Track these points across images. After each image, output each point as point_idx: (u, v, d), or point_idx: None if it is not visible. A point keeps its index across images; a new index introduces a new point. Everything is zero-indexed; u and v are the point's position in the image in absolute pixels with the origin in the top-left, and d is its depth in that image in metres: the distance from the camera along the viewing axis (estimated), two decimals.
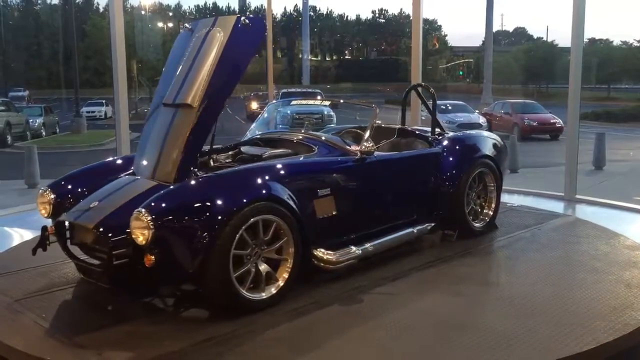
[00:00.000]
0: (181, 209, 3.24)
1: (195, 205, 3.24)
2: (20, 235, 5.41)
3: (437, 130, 5.08)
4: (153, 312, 3.47)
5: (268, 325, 3.21)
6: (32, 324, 3.27)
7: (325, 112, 16.48)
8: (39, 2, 60.22)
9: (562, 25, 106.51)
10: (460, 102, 22.23)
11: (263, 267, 3.42)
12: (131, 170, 4.03)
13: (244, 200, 3.28)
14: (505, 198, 5.96)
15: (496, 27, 63.38)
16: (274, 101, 5.18)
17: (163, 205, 3.21)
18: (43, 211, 3.91)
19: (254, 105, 30.53)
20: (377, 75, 64.58)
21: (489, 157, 4.99)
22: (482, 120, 20.48)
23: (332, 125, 11.47)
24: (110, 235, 3.25)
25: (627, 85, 50.72)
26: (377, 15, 79.82)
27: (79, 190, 3.93)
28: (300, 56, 69.43)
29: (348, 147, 4.23)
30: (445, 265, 4.24)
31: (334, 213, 3.85)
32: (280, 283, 3.48)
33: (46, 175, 10.40)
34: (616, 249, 4.60)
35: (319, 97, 20.32)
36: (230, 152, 4.44)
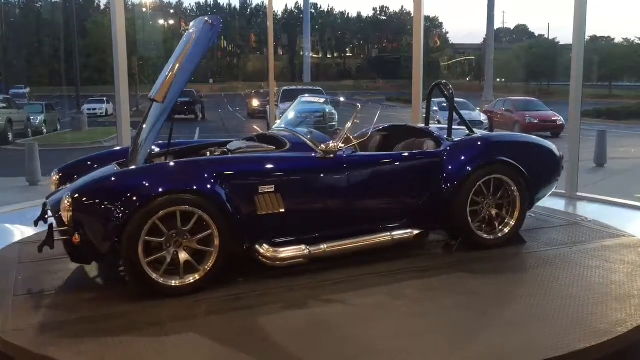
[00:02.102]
0: (98, 194, 3.55)
1: (111, 191, 3.54)
2: (22, 231, 5.42)
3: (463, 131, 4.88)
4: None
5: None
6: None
7: (327, 110, 16.48)
8: None
9: (564, 23, 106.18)
10: (462, 100, 22.17)
11: (182, 256, 3.58)
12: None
13: (159, 190, 3.47)
14: None
15: (497, 25, 63.32)
16: (305, 96, 5.16)
17: (84, 189, 3.60)
18: (53, 189, 4.39)
19: (255, 102, 30.53)
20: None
21: (505, 163, 4.48)
22: (483, 117, 20.47)
23: (334, 122, 11.47)
24: (56, 215, 3.68)
25: (628, 83, 50.63)
26: (378, 12, 79.77)
27: (82, 173, 4.34)
28: (301, 54, 69.36)
29: (315, 145, 4.11)
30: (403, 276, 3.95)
31: (281, 210, 3.85)
32: (202, 273, 3.63)
33: (47, 172, 10.38)
34: None
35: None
36: (218, 147, 4.60)
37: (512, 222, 4.56)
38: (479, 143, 4.66)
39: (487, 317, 3.30)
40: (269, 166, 3.94)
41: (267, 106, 19.57)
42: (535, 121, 20.65)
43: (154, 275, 3.52)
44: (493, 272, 4.09)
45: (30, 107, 23.86)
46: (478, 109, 22.55)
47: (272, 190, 3.83)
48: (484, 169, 4.41)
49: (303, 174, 4.01)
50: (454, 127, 4.84)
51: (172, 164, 3.84)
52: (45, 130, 22.83)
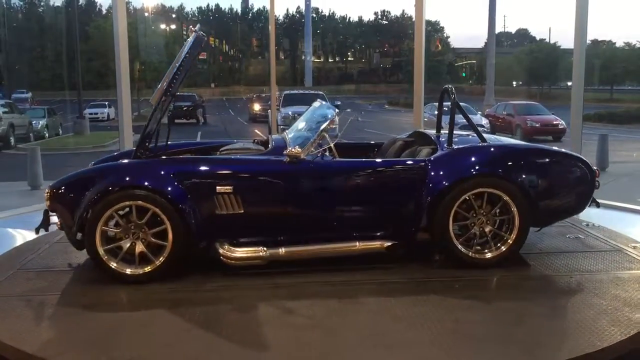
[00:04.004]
0: (68, 186, 3.99)
1: (78, 184, 3.98)
2: (23, 236, 5.41)
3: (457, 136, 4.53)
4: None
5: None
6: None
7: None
8: (42, 4, 60.44)
9: (565, 27, 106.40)
10: (463, 104, 22.21)
11: (138, 247, 3.85)
12: None
13: (115, 185, 3.82)
14: None
15: (499, 29, 63.45)
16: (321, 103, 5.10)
17: (61, 181, 4.04)
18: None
19: (257, 106, 30.59)
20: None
21: (497, 176, 4.08)
22: (484, 121, 20.46)
23: (335, 126, 11.51)
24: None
25: (630, 87, 50.68)
26: (379, 17, 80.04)
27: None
28: (302, 58, 69.52)
29: (285, 150, 4.09)
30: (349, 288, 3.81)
31: (239, 211, 3.93)
32: (155, 265, 3.85)
33: (49, 176, 10.41)
34: None
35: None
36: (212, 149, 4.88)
37: (509, 242, 4.10)
38: (468, 154, 4.24)
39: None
40: (227, 167, 4.04)
41: (269, 110, 19.60)
42: (537, 125, 20.66)
43: (110, 263, 3.83)
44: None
45: (32, 112, 23.93)
46: (479, 112, 22.55)
47: (230, 191, 3.91)
48: (468, 182, 4.03)
49: (264, 176, 4.03)
50: (465, 133, 4.73)
51: (133, 162, 4.14)
52: (47, 135, 22.88)
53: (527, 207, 4.07)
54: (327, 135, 4.27)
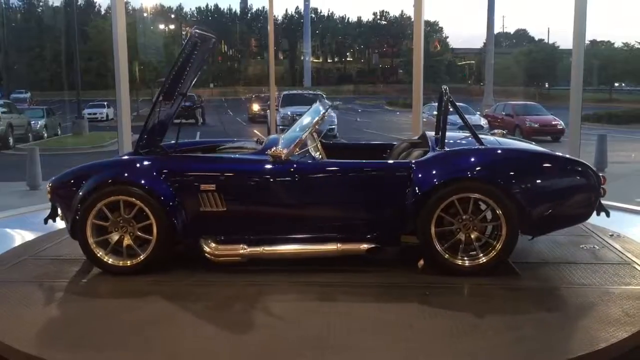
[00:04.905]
0: (65, 182, 4.23)
1: (73, 179, 4.19)
2: (22, 236, 5.42)
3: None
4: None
5: None
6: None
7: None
8: (41, 4, 60.39)
9: (564, 27, 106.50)
10: (461, 104, 22.21)
11: (126, 241, 4.03)
12: None
13: (102, 181, 4.03)
14: None
15: (497, 29, 63.30)
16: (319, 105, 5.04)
17: (61, 175, 4.30)
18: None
19: (256, 107, 30.58)
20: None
21: (480, 181, 3.93)
22: (483, 122, 20.50)
23: (333, 126, 11.55)
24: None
25: (628, 87, 50.71)
26: (378, 17, 79.92)
27: None
28: (301, 58, 69.51)
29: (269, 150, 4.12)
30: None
31: (222, 209, 4.02)
32: (141, 258, 4.03)
33: (48, 176, 10.40)
34: None
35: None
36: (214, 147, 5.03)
37: (496, 249, 3.93)
38: (453, 158, 4.13)
39: None
40: (211, 166, 4.15)
41: (268, 110, 19.61)
42: (536, 125, 20.70)
43: (99, 253, 4.04)
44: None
45: (31, 112, 23.90)
46: (478, 113, 22.57)
47: (213, 189, 4.00)
48: (451, 186, 3.90)
49: (246, 176, 4.07)
50: (463, 135, 4.66)
51: (122, 159, 4.42)
52: (45, 135, 22.85)
53: (515, 213, 3.88)
54: (315, 136, 4.27)
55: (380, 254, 4.08)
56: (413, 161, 4.13)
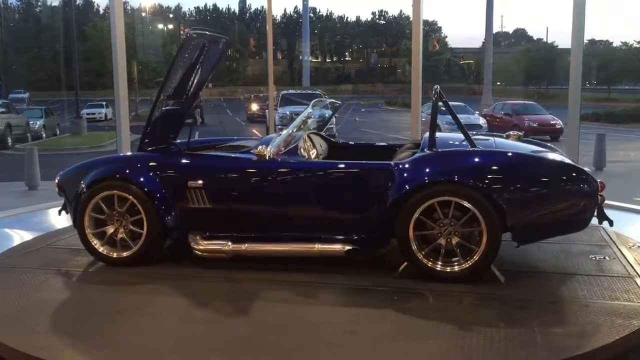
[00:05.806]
0: (69, 177, 4.52)
1: (75, 175, 4.45)
2: (21, 236, 5.42)
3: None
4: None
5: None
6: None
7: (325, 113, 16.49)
8: (40, 4, 60.35)
9: (562, 27, 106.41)
10: (460, 103, 22.24)
11: (120, 234, 4.23)
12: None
13: (97, 176, 4.26)
14: None
15: (496, 29, 63.43)
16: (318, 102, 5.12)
17: (66, 170, 4.59)
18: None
19: (255, 107, 30.54)
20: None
21: (461, 185, 3.74)
22: (482, 121, 20.51)
23: (332, 125, 11.56)
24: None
25: (627, 86, 50.73)
26: (376, 16, 79.95)
27: None
28: (300, 58, 69.50)
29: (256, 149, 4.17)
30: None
31: (208, 206, 4.14)
32: (133, 250, 4.22)
33: (47, 177, 10.40)
34: None
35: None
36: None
37: (476, 256, 3.74)
38: (436, 159, 3.97)
39: None
40: (199, 163, 4.28)
41: (267, 110, 19.59)
42: (534, 125, 20.69)
43: (95, 245, 4.26)
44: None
45: (30, 112, 23.88)
46: (477, 112, 22.58)
47: (200, 186, 4.12)
48: (430, 188, 3.77)
49: (232, 174, 4.16)
50: (459, 135, 4.49)
51: (118, 155, 4.70)
52: (44, 135, 22.80)
53: (497, 219, 3.70)
54: (304, 135, 4.29)
55: (362, 255, 4.04)
56: (393, 162, 4.05)
